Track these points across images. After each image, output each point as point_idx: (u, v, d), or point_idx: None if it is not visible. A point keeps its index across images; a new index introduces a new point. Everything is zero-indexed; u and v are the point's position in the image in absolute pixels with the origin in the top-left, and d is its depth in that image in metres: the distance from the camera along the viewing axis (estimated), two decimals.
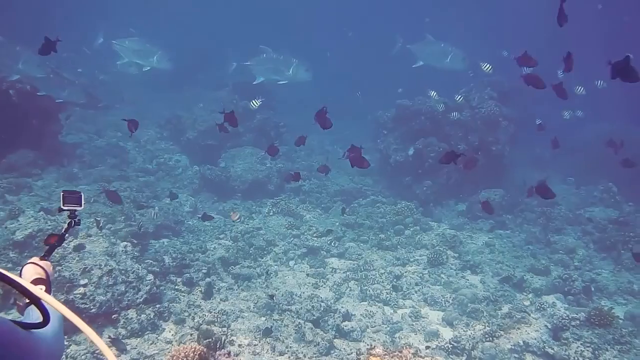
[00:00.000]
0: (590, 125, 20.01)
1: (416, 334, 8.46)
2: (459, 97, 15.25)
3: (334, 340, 8.04)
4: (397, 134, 16.32)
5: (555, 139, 11.75)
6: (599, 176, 16.38)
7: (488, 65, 11.56)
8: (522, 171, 17.34)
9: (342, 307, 9.08)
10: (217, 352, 6.14)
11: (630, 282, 10.97)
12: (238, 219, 11.59)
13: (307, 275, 10.41)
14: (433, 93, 13.97)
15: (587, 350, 7.53)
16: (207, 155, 16.07)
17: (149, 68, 13.81)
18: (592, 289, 10.39)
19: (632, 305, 10.25)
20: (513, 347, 7.67)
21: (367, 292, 9.67)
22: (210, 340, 6.52)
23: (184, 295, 8.96)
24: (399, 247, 11.85)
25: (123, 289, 7.87)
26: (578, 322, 8.06)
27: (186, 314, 8.32)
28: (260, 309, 8.80)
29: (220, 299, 9.05)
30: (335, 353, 7.78)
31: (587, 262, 11.68)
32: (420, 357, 5.83)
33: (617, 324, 8.19)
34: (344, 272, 10.56)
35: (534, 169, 18.24)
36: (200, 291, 9.16)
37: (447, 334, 8.47)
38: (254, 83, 13.88)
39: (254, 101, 11.10)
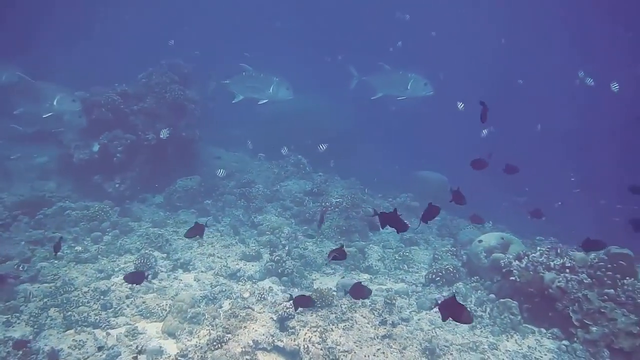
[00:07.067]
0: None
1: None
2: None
3: None
4: (78, 129, 14.73)
5: None
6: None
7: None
8: (216, 153, 17.38)
9: (45, 343, 7.78)
10: None
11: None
12: None
13: None
14: None
15: (315, 335, 7.62)
16: None
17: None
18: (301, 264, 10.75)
19: (339, 274, 10.88)
20: (244, 349, 7.36)
21: (72, 317, 8.44)
22: None
23: None
24: (99, 257, 10.70)
25: None
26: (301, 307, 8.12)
27: None
28: None
29: None
30: None
31: (294, 239, 12.04)
32: None
33: (337, 302, 8.49)
34: (40, 300, 9.11)
35: (226, 148, 18.46)
36: None
37: (171, 347, 7.82)
38: (234, 102, 12.03)
39: None
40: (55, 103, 11.72)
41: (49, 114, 12.02)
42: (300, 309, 7.80)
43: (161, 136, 13.12)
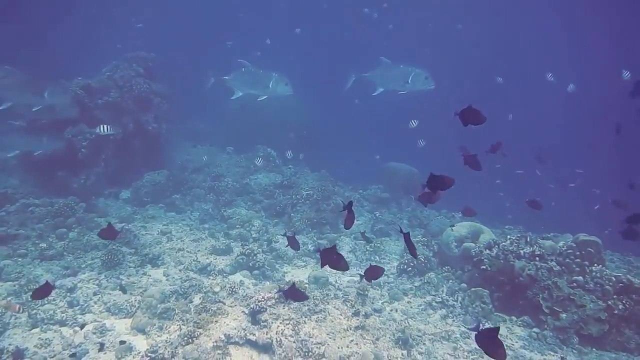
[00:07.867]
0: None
1: (106, 353, 7.47)
2: None
3: None
4: (40, 125, 14.36)
5: None
6: (255, 143, 17.05)
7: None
8: (183, 146, 17.15)
9: (9, 343, 7.56)
10: None
11: (305, 243, 11.55)
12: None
13: None
14: None
15: (288, 328, 7.54)
16: None
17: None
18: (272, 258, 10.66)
19: (311, 267, 10.81)
20: (216, 343, 7.24)
21: (38, 315, 8.22)
22: None
23: None
24: (65, 253, 10.45)
25: None
26: (273, 300, 8.03)
27: None
28: None
29: None
30: None
31: (264, 232, 11.94)
32: None
33: (311, 294, 8.42)
34: (3, 298, 8.85)
35: (194, 142, 18.23)
36: None
37: (141, 344, 7.66)
38: (232, 98, 11.60)
39: None
40: (46, 95, 11.45)
41: (39, 107, 11.74)
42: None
43: (101, 132, 12.72)
